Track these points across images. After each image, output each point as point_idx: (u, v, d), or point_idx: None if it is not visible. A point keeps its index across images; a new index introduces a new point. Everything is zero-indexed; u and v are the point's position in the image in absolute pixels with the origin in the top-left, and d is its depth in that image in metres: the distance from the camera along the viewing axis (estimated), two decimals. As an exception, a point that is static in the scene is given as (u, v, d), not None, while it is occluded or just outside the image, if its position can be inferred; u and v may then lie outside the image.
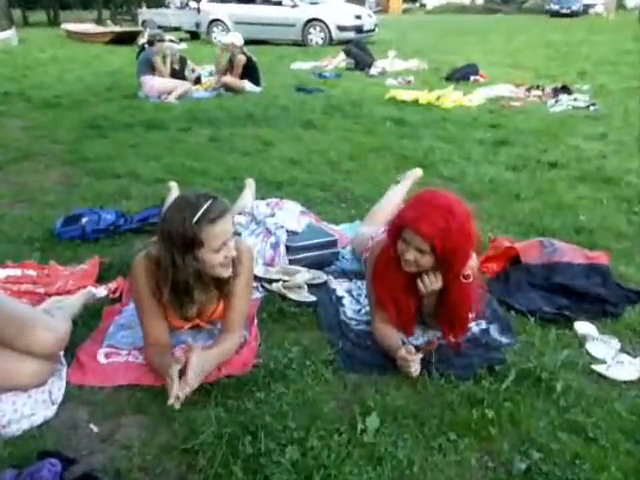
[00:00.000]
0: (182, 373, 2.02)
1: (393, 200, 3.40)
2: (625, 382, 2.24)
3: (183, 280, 2.16)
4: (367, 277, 2.54)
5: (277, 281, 2.91)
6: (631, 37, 16.30)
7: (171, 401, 1.94)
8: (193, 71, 9.03)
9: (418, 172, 3.67)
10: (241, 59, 8.65)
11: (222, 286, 2.31)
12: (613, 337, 2.51)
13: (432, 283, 2.30)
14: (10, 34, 17.81)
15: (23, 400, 2.06)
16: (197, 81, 9.09)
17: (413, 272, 2.29)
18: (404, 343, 2.31)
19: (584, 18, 30.65)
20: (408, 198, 2.38)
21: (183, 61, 8.81)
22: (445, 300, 2.35)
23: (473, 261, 2.37)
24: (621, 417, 2.04)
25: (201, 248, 2.08)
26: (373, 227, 3.11)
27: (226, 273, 2.20)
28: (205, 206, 2.06)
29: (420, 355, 2.19)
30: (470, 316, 2.42)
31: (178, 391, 1.96)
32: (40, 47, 16.38)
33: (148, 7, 24.88)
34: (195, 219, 2.04)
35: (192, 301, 2.29)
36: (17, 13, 29.63)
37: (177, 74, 8.49)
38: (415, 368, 2.18)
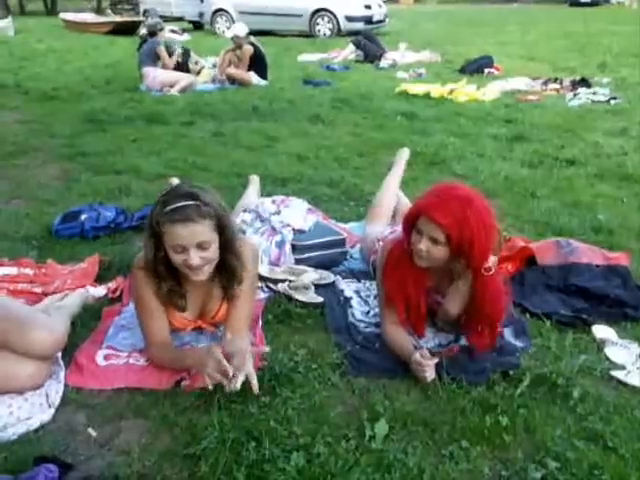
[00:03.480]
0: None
1: (391, 189, 3.39)
2: (646, 389, 2.23)
3: (150, 261, 2.19)
4: (378, 276, 2.54)
5: (283, 281, 2.92)
6: (656, 28, 16.22)
7: (237, 385, 1.99)
8: (196, 63, 9.05)
9: (405, 152, 3.64)
10: (248, 50, 8.65)
11: (226, 287, 2.32)
12: (633, 342, 2.51)
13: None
14: (6, 23, 17.84)
15: (19, 403, 2.07)
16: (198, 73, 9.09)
17: (424, 266, 2.29)
18: (416, 347, 2.31)
19: (606, 7, 30.48)
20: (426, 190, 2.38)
21: (186, 53, 8.83)
22: (471, 301, 2.34)
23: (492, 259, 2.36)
24: (641, 425, 2.04)
25: (162, 239, 2.12)
26: (378, 226, 3.11)
27: (194, 277, 2.20)
28: (175, 205, 2.07)
29: (436, 360, 2.19)
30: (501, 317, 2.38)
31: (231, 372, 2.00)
32: (37, 37, 16.43)
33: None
34: (162, 211, 2.08)
35: (167, 287, 2.26)
36: (13, 1, 29.74)
37: (180, 66, 8.51)
38: (430, 373, 2.18)
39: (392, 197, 3.34)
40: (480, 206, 2.18)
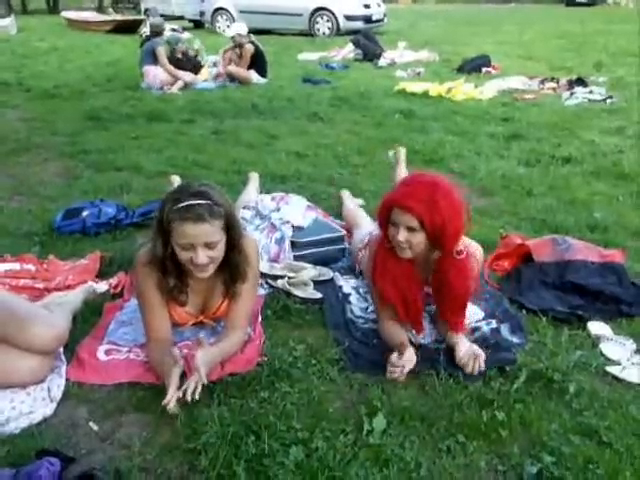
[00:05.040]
0: (184, 374, 2.05)
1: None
2: (640, 384, 2.24)
3: (159, 257, 2.18)
4: (368, 277, 2.53)
5: (282, 277, 2.92)
6: (651, 27, 16.20)
7: (166, 401, 1.95)
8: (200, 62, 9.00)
9: (401, 151, 3.82)
10: (248, 49, 8.64)
11: (227, 287, 2.33)
12: (628, 338, 2.51)
13: None
14: (9, 22, 17.82)
15: (22, 397, 2.07)
16: (197, 70, 9.01)
17: (409, 257, 2.29)
18: (412, 342, 2.32)
19: (602, 7, 30.45)
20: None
21: (187, 51, 8.78)
22: (442, 281, 2.34)
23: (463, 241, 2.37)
24: (636, 420, 2.04)
25: (170, 237, 2.11)
26: (363, 229, 3.12)
27: (198, 274, 2.20)
28: (187, 203, 2.06)
29: (406, 364, 2.18)
30: (469, 298, 2.42)
31: (175, 395, 1.97)
32: (39, 36, 16.40)
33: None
34: (173, 208, 2.06)
35: (172, 283, 2.26)
36: (16, 0, 29.70)
37: (182, 64, 8.47)
38: (398, 374, 2.18)
39: None
40: (446, 188, 2.20)
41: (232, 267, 2.27)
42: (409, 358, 2.20)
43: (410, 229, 2.19)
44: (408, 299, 2.37)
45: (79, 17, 20.01)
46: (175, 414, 1.98)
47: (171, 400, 1.95)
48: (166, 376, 2.05)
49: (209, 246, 2.12)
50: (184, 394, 1.97)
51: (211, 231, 2.10)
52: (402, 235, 2.21)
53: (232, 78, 8.69)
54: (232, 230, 2.19)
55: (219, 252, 2.17)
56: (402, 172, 3.72)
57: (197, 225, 2.06)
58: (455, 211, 2.20)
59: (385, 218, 2.28)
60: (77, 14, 20.76)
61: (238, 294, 2.34)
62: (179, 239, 2.09)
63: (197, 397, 1.97)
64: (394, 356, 2.19)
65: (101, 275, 2.99)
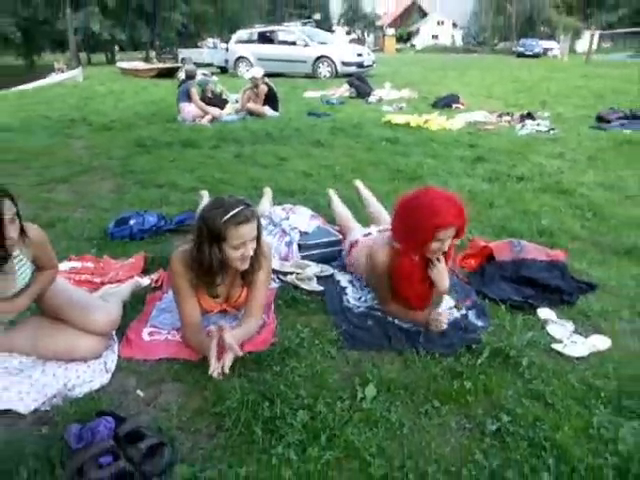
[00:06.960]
0: (220, 348, 2.05)
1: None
2: (577, 358, 2.23)
3: (207, 265, 2.15)
4: (377, 278, 2.47)
5: (291, 274, 2.91)
6: (580, 75, 16.29)
7: (212, 371, 1.97)
8: (226, 100, 8.98)
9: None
10: (263, 89, 8.64)
11: (246, 276, 2.31)
12: (568, 321, 2.50)
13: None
14: (77, 72, 18.02)
15: (84, 369, 2.09)
16: (222, 106, 8.94)
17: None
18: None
19: (544, 59, 30.47)
20: (401, 200, 2.32)
21: (215, 90, 8.76)
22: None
23: None
24: (574, 387, 2.04)
25: (224, 242, 2.09)
26: (352, 235, 3.08)
27: (242, 267, 2.19)
28: (236, 210, 2.06)
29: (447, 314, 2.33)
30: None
31: (218, 365, 1.99)
32: (100, 82, 16.43)
33: (185, 47, 25.18)
34: (224, 219, 2.04)
35: (214, 282, 2.26)
36: (83, 55, 29.91)
37: (211, 101, 8.47)
38: (443, 322, 2.27)
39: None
40: (455, 193, 2.26)
41: (253, 258, 2.23)
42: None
43: (450, 238, 2.21)
44: (422, 297, 2.41)
45: (130, 66, 20.10)
46: (220, 379, 1.99)
47: (216, 369, 1.98)
48: (206, 350, 2.06)
49: (253, 239, 2.14)
50: (222, 367, 2.00)
51: (255, 227, 2.13)
52: (448, 243, 2.22)
53: (250, 112, 8.68)
54: (259, 227, 2.20)
55: (255, 243, 2.18)
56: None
57: (249, 224, 2.08)
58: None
59: (426, 241, 2.20)
60: (129, 64, 20.86)
61: (254, 283, 2.32)
62: (235, 241, 2.08)
63: (227, 370, 1.99)
64: (434, 312, 2.30)
65: (145, 272, 2.99)
